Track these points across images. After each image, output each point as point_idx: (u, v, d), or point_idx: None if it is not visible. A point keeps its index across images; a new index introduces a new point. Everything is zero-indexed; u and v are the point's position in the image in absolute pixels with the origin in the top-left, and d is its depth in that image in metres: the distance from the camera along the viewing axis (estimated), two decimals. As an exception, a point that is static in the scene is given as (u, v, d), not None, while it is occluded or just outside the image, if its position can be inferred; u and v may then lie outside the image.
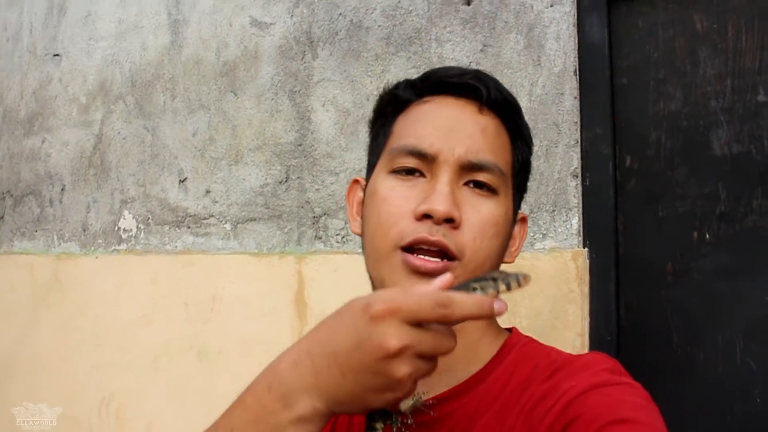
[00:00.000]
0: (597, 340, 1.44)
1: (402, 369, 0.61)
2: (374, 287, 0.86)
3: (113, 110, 2.06)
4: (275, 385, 0.64)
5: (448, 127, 0.85)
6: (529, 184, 1.49)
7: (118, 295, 2.00)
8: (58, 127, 2.16)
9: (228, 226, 1.86)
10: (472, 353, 0.85)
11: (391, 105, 0.91)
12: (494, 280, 0.64)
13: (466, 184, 0.84)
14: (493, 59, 1.56)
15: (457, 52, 1.60)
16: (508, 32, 1.56)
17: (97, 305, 2.03)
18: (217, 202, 1.88)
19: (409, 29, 1.65)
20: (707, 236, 1.43)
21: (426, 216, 0.80)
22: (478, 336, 0.87)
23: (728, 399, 1.39)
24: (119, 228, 2.02)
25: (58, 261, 2.11)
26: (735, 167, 1.42)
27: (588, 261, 1.47)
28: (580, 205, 1.49)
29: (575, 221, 1.48)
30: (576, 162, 1.49)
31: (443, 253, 0.81)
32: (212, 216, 1.88)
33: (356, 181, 0.95)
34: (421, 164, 0.84)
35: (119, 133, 2.04)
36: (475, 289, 0.63)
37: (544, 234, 1.50)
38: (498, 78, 1.52)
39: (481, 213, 0.83)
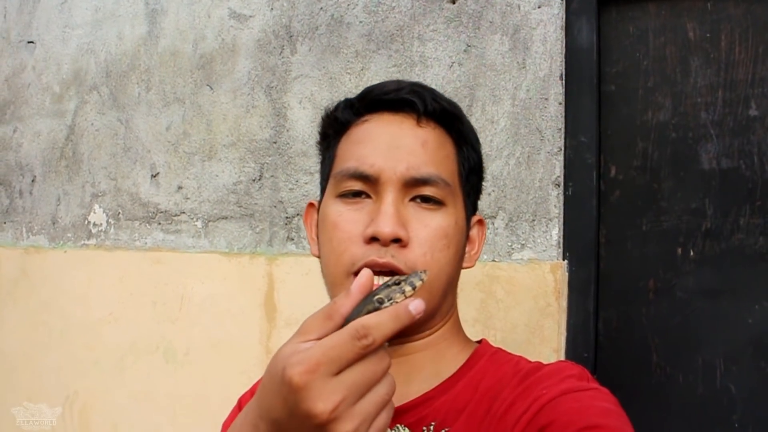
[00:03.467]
0: (573, 357, 1.39)
1: (346, 425, 0.57)
2: None
3: (87, 100, 1.99)
4: (265, 417, 0.61)
5: (387, 145, 0.84)
6: (509, 191, 1.45)
7: (85, 292, 1.93)
8: (30, 117, 2.09)
9: (199, 224, 1.80)
10: (440, 362, 0.86)
11: (332, 127, 0.91)
12: (398, 284, 0.63)
13: (413, 199, 0.83)
14: (477, 60, 1.50)
15: (439, 52, 1.54)
16: (494, 33, 1.49)
17: (65, 301, 1.96)
18: (188, 198, 1.81)
19: (391, 26, 1.59)
20: (692, 253, 1.38)
21: (374, 239, 0.80)
22: (446, 345, 0.88)
23: (707, 422, 1.33)
24: (89, 222, 1.96)
25: (26, 254, 2.04)
26: (723, 183, 1.36)
27: (567, 274, 1.41)
28: (561, 216, 1.43)
29: (555, 232, 1.42)
30: (558, 170, 1.43)
31: (397, 272, 0.80)
32: (183, 213, 1.82)
33: (311, 205, 0.95)
34: (365, 186, 0.84)
35: (92, 124, 1.97)
36: (382, 302, 0.62)
37: (523, 244, 1.44)
38: (481, 80, 1.48)
39: (429, 227, 0.82)
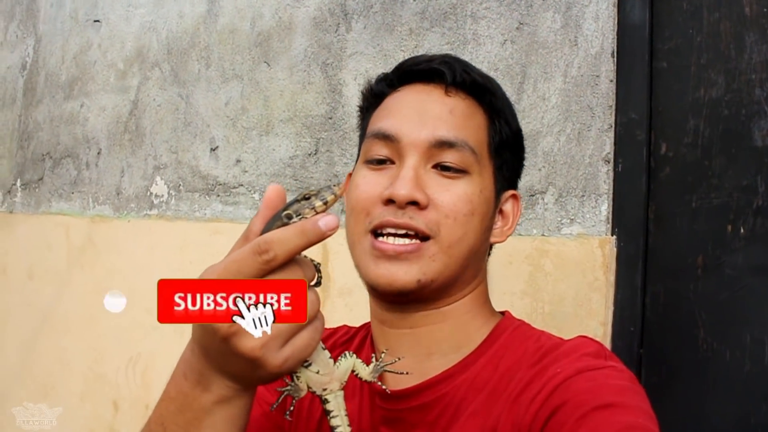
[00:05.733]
0: (620, 331, 1.41)
1: (250, 341, 0.57)
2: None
3: (149, 77, 2.07)
4: (188, 372, 0.64)
5: (414, 111, 0.85)
6: (559, 167, 1.47)
7: (147, 260, 2.03)
8: (96, 92, 2.19)
9: (256, 196, 1.87)
10: (461, 334, 0.86)
11: (368, 100, 0.94)
12: (307, 198, 0.60)
13: (435, 167, 0.84)
14: (529, 38, 1.52)
15: (492, 30, 1.56)
16: (546, 10, 1.51)
17: (128, 268, 2.07)
18: (246, 171, 1.88)
19: (445, 4, 1.62)
20: (742, 230, 1.38)
21: (391, 201, 0.81)
22: (468, 318, 0.87)
23: (753, 400, 1.34)
24: (151, 193, 2.05)
25: (92, 223, 2.16)
26: (776, 160, 1.36)
27: (615, 249, 1.43)
28: (611, 192, 1.45)
29: (604, 208, 1.44)
30: (609, 147, 1.45)
31: (416, 235, 0.81)
32: (241, 185, 1.89)
33: (350, 176, 0.96)
34: (389, 151, 0.85)
35: (154, 99, 2.06)
36: (290, 217, 0.59)
37: (572, 219, 1.46)
38: (533, 58, 1.51)
39: (451, 191, 0.83)
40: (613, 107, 1.45)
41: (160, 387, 0.68)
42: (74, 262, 2.18)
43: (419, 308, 0.85)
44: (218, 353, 0.60)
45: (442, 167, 0.84)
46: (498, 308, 0.94)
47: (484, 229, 0.87)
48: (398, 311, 0.86)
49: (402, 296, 0.83)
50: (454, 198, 0.82)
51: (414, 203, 0.80)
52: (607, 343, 1.39)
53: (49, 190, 2.30)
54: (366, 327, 0.97)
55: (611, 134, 1.45)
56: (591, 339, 0.83)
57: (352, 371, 0.70)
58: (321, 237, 0.58)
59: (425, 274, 0.81)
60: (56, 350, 2.14)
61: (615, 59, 1.45)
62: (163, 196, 2.03)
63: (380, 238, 0.82)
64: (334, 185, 0.62)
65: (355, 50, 1.73)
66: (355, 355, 0.71)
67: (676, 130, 1.44)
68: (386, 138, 0.84)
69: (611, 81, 1.45)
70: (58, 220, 2.24)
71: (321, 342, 0.64)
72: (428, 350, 0.86)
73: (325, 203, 0.60)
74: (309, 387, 0.66)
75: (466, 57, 1.56)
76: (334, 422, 0.68)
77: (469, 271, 0.87)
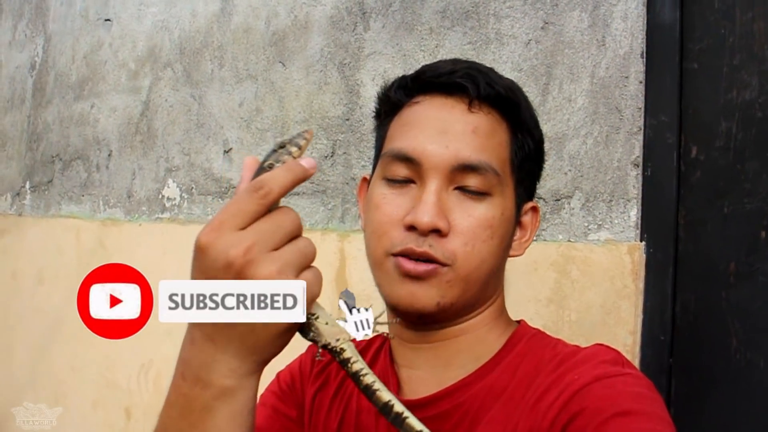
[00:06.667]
0: (649, 340, 1.37)
1: (264, 267, 0.58)
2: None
3: (161, 77, 2.04)
4: (186, 372, 0.62)
5: (436, 130, 0.83)
6: (586, 171, 1.43)
7: (159, 264, 2.00)
8: (107, 93, 2.16)
9: (271, 200, 1.83)
10: (480, 346, 0.86)
11: (385, 106, 0.91)
12: (283, 147, 0.64)
13: (457, 188, 0.82)
14: (554, 38, 1.48)
15: (516, 29, 1.52)
16: (572, 9, 1.47)
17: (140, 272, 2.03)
18: (261, 174, 1.85)
19: (467, 2, 1.58)
20: (776, 236, 1.34)
21: (412, 227, 0.79)
22: (486, 330, 0.87)
23: (788, 410, 1.31)
24: (163, 196, 2.02)
25: (103, 226, 2.12)
26: (812, 163, 1.31)
27: (645, 255, 1.39)
28: (640, 196, 1.40)
29: (633, 213, 1.40)
30: (638, 150, 1.41)
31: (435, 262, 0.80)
32: (256, 189, 1.85)
33: (365, 180, 0.95)
34: (410, 171, 0.83)
35: (166, 100, 2.02)
36: (272, 166, 0.63)
37: (600, 225, 1.42)
38: (559, 58, 1.46)
39: (472, 217, 0.81)
40: (642, 109, 1.41)
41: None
42: (85, 267, 2.14)
43: (438, 326, 0.86)
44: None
45: (465, 189, 0.82)
46: (523, 316, 0.95)
47: (504, 248, 0.87)
48: (418, 330, 0.87)
49: (423, 317, 0.83)
50: (474, 223, 0.81)
51: (435, 230, 0.79)
52: (637, 352, 1.35)
53: (59, 193, 2.27)
54: (381, 337, 0.97)
55: (640, 137, 1.41)
56: (608, 347, 0.83)
57: None
58: (306, 174, 0.63)
59: (444, 297, 0.81)
60: (68, 357, 2.11)
61: (644, 60, 1.41)
62: (175, 199, 2.00)
63: (405, 258, 0.81)
64: (304, 131, 0.66)
65: (373, 50, 1.69)
66: None
67: (707, 133, 1.40)
68: (407, 160, 0.82)
69: (640, 82, 1.41)
70: (69, 224, 2.21)
71: (319, 304, 0.66)
72: (446, 362, 0.86)
73: (300, 148, 0.65)
74: (322, 338, 0.66)
75: (488, 57, 1.52)
76: (356, 367, 0.65)
77: (489, 289, 0.87)
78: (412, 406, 0.82)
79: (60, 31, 2.32)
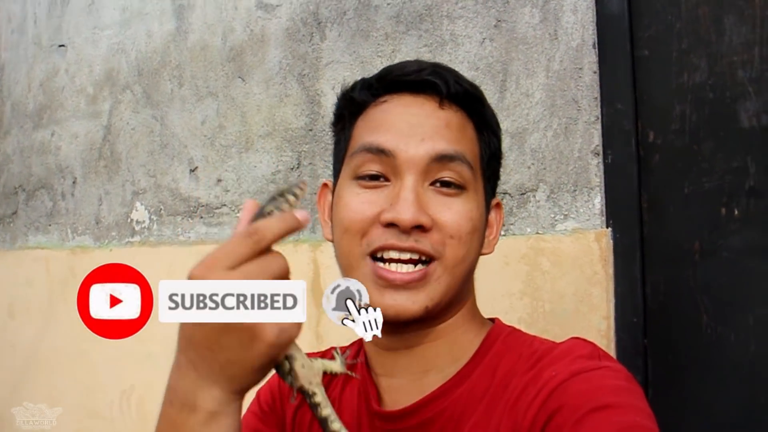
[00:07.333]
0: (623, 323, 1.40)
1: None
2: None
3: (121, 100, 2.03)
4: (173, 398, 0.65)
5: (410, 125, 0.82)
6: (548, 163, 1.46)
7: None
8: (66, 119, 2.13)
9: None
10: (457, 348, 0.85)
11: (348, 108, 0.89)
12: (282, 195, 0.68)
13: (433, 184, 0.81)
14: (508, 35, 1.51)
15: (469, 29, 1.54)
16: (523, 6, 1.49)
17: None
18: (228, 190, 1.84)
19: (420, 6, 1.60)
20: (736, 212, 1.38)
21: (392, 224, 0.78)
22: (462, 332, 0.86)
23: (761, 381, 1.34)
24: (132, 220, 2.00)
25: (73, 255, 2.10)
26: (765, 140, 1.35)
27: (612, 241, 1.42)
28: (603, 184, 1.43)
29: (597, 201, 1.43)
30: (597, 139, 1.44)
31: (418, 259, 0.79)
32: (224, 205, 1.85)
33: (325, 185, 0.93)
34: (383, 168, 0.81)
35: (128, 123, 2.01)
36: (271, 212, 0.67)
37: (566, 215, 1.45)
38: (514, 55, 1.49)
39: (452, 210, 0.81)
40: (599, 99, 1.44)
41: (156, 419, 0.67)
42: (57, 297, 2.12)
43: (417, 329, 0.84)
44: (212, 343, 0.62)
45: (441, 183, 0.81)
46: (497, 310, 0.94)
47: (480, 244, 0.86)
48: (396, 334, 0.84)
49: (408, 322, 0.81)
50: (456, 217, 0.80)
51: (418, 227, 0.78)
52: (612, 337, 1.37)
53: (25, 224, 2.23)
54: (356, 346, 0.95)
55: (598, 126, 1.44)
56: (584, 340, 0.83)
57: (324, 371, 0.72)
58: (299, 226, 0.65)
59: (432, 299, 0.80)
60: (45, 389, 2.08)
61: (597, 50, 1.44)
62: (144, 221, 1.98)
63: (382, 264, 0.79)
64: (300, 183, 0.70)
65: (331, 59, 1.70)
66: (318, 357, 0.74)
67: (662, 118, 1.44)
68: (380, 153, 0.81)
69: (594, 72, 1.44)
70: (37, 254, 2.18)
71: (297, 345, 0.67)
72: (425, 367, 0.85)
73: (296, 196, 0.68)
74: (297, 381, 0.68)
75: (445, 58, 1.54)
76: (324, 412, 0.68)
77: (465, 287, 0.86)
78: (394, 417, 0.82)
79: (13, 60, 2.29)
